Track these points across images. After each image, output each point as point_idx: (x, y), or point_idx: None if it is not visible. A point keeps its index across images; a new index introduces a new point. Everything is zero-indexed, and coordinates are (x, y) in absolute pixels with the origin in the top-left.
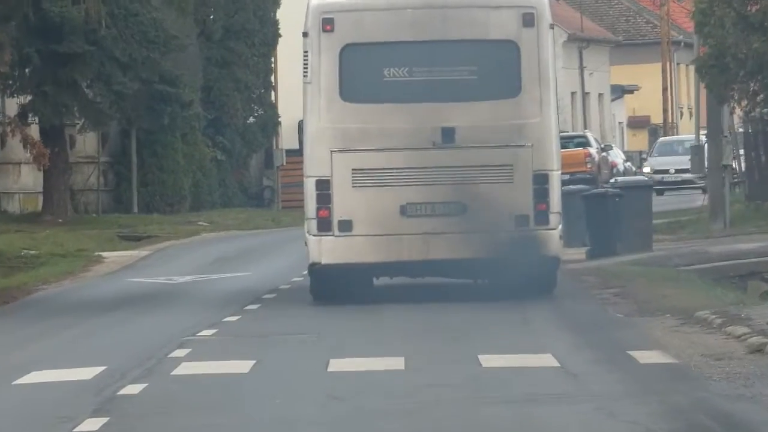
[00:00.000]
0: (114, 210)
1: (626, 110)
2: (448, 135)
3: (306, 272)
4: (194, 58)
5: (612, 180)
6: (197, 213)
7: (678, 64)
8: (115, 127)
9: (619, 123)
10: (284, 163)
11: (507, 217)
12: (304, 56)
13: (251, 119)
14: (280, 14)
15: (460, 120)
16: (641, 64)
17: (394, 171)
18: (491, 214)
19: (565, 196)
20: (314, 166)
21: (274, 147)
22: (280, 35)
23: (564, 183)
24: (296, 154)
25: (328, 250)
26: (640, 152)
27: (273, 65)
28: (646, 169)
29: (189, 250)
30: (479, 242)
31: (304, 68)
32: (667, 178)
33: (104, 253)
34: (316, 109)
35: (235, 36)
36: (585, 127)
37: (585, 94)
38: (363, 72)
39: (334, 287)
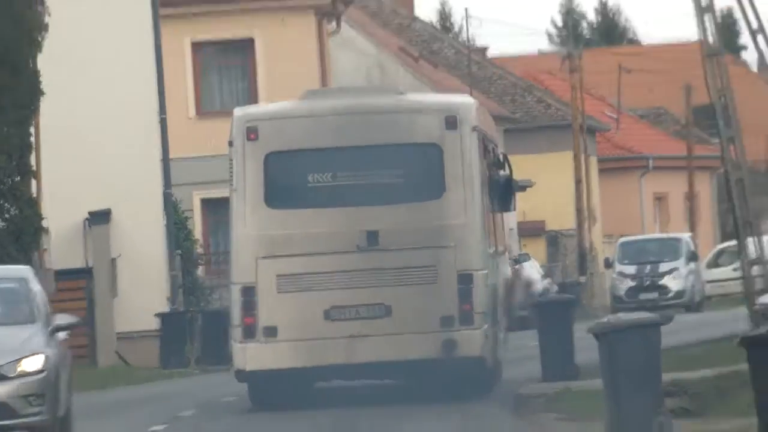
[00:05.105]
0: None
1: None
2: (371, 238)
3: None
4: None
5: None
6: None
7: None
8: None
9: (510, 229)
10: (55, 290)
11: (431, 318)
12: (230, 164)
13: (0, 223)
14: (43, 62)
15: (384, 223)
16: (531, 153)
17: (319, 275)
18: (416, 315)
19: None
20: (239, 272)
21: (38, 266)
22: (42, 93)
23: None
24: (73, 276)
25: (252, 356)
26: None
27: (33, 139)
28: None
29: None
30: (404, 344)
31: (230, 176)
32: None
33: None
34: (241, 216)
35: None
36: None
37: None
38: (287, 179)
39: (271, 393)
